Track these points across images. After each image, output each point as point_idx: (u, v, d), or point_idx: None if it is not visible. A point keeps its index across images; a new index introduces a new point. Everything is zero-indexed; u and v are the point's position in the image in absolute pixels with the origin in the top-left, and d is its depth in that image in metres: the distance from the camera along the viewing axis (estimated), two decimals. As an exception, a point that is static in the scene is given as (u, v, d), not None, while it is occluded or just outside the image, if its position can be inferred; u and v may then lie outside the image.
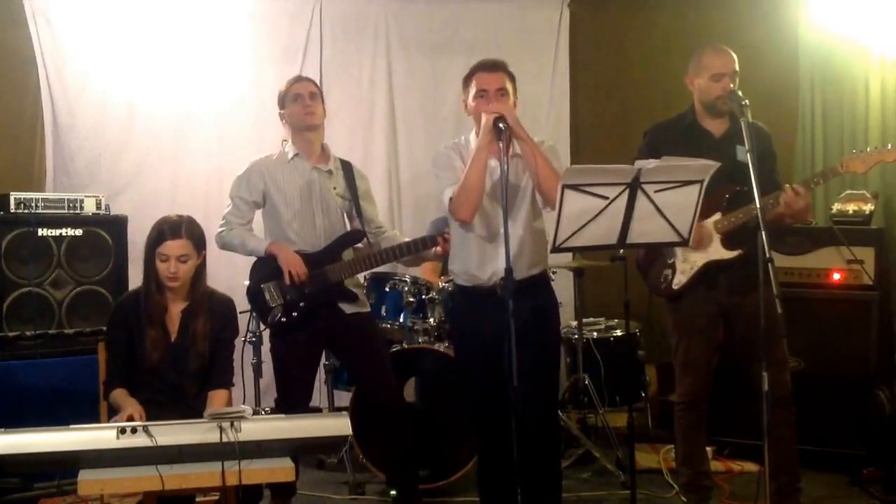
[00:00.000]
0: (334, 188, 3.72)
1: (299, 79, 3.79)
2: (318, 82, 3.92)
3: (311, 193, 3.67)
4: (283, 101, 3.71)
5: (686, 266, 3.57)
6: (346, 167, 3.80)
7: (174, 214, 3.35)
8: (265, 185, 3.67)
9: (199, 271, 3.33)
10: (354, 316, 3.70)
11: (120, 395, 3.20)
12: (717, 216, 3.52)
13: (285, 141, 3.75)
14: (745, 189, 3.36)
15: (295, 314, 3.61)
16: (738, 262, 3.49)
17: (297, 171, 3.68)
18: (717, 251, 3.52)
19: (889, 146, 3.49)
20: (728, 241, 3.51)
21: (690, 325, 3.61)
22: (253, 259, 3.80)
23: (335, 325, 3.67)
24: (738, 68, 3.51)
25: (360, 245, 3.79)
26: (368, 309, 3.86)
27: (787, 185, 3.41)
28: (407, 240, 3.76)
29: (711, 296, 3.56)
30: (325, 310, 3.65)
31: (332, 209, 3.71)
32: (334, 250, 3.67)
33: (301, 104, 3.65)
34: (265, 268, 3.65)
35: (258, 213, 3.78)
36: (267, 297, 3.63)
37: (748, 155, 3.11)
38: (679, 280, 3.58)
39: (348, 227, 3.76)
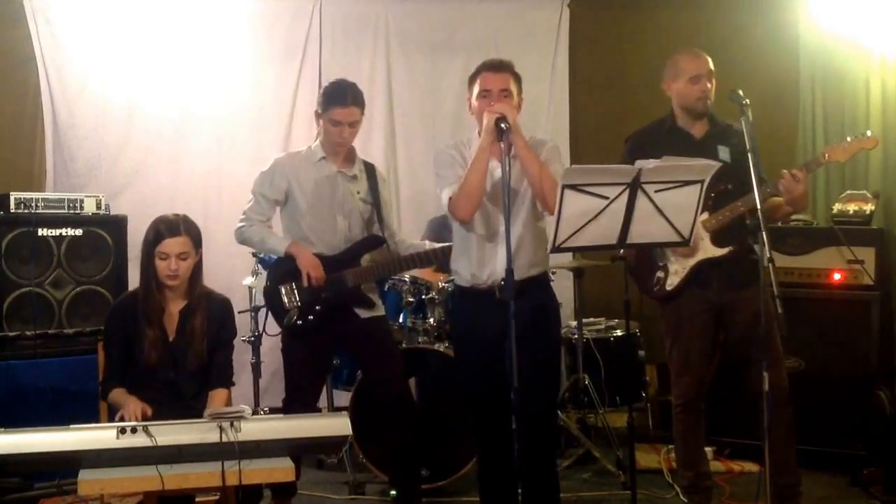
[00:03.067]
0: (357, 192, 3.70)
1: (345, 100, 3.56)
2: (317, 82, 3.76)
3: (334, 196, 3.65)
4: (322, 109, 3.60)
5: (678, 267, 3.58)
6: (370, 170, 3.77)
7: (170, 213, 3.34)
8: (289, 184, 3.65)
9: (197, 270, 3.32)
10: (369, 321, 3.69)
11: (119, 393, 3.20)
12: (705, 215, 3.52)
13: (316, 140, 3.72)
14: (729, 187, 3.40)
15: (311, 317, 3.59)
16: (729, 260, 3.50)
17: (321, 173, 3.65)
18: (708, 249, 3.53)
19: (868, 133, 3.53)
20: (717, 239, 3.52)
21: (685, 326, 3.61)
22: (254, 259, 3.79)
23: (349, 329, 3.66)
24: (713, 68, 3.55)
25: (378, 251, 3.76)
26: (383, 313, 3.85)
27: (785, 171, 3.40)
28: (426, 247, 3.75)
29: (704, 295, 3.57)
30: (340, 314, 3.64)
31: (354, 213, 3.69)
32: (353, 255, 3.66)
33: (338, 130, 3.58)
34: (283, 268, 3.63)
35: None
36: (284, 298, 3.61)
37: (748, 154, 3.13)
38: (672, 281, 3.59)
39: (367, 233, 3.74)
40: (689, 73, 3.54)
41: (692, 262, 3.55)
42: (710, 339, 3.62)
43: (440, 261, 3.71)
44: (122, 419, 3.03)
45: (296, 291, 3.60)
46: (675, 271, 3.58)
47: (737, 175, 3.38)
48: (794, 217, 4.34)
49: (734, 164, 3.40)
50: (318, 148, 3.68)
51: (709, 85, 3.52)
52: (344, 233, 3.67)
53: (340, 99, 3.57)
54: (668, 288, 3.59)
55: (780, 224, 4.23)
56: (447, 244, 3.72)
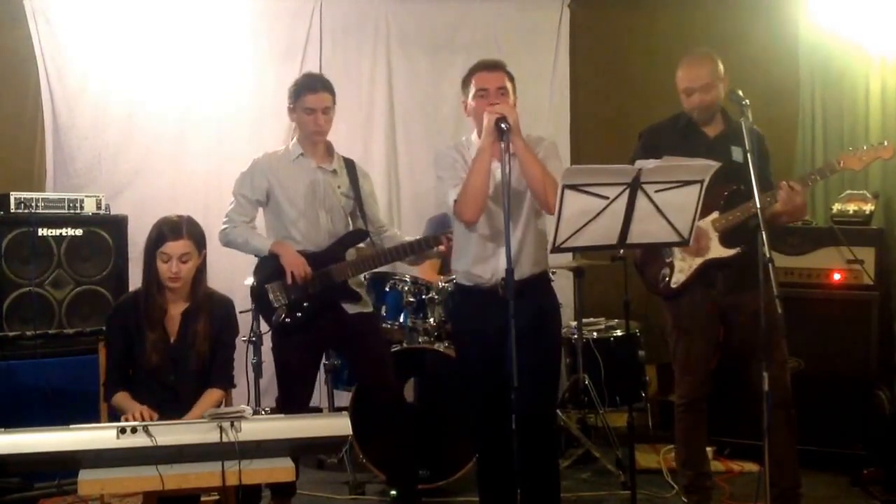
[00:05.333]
0: (338, 187, 3.71)
1: (315, 86, 3.62)
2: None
3: (315, 192, 3.66)
4: (294, 101, 3.63)
5: (684, 265, 3.58)
6: (350, 165, 3.78)
7: (174, 215, 3.32)
8: (269, 183, 3.66)
9: (200, 272, 3.30)
10: (357, 316, 3.70)
11: (123, 398, 3.18)
12: (715, 215, 3.53)
13: (293, 139, 3.73)
14: (741, 188, 3.39)
15: (299, 314, 3.60)
16: (737, 261, 3.49)
17: (301, 170, 3.66)
18: (716, 250, 3.53)
19: (885, 143, 3.52)
20: (725, 240, 3.52)
21: (690, 325, 3.61)
22: (254, 258, 3.79)
23: (338, 325, 3.67)
24: (711, 80, 3.49)
25: (362, 245, 3.78)
26: (371, 309, 3.86)
27: (784, 182, 3.42)
28: (410, 239, 3.75)
29: (710, 295, 3.57)
30: (328, 310, 3.64)
31: (336, 208, 3.70)
32: (338, 250, 3.66)
33: (313, 118, 3.60)
34: (269, 267, 3.64)
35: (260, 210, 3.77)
36: (271, 297, 3.62)
37: (748, 155, 3.13)
38: (677, 279, 3.59)
39: (351, 227, 3.75)
40: (681, 86, 3.55)
41: (699, 261, 3.55)
42: (714, 339, 3.62)
43: (425, 249, 3.70)
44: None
45: (282, 290, 3.60)
46: (681, 269, 3.58)
47: (748, 174, 3.37)
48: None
49: (746, 164, 3.34)
50: (295, 146, 3.69)
51: (702, 98, 3.49)
52: (327, 228, 3.67)
53: (310, 86, 3.62)
54: (673, 285, 3.59)
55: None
56: (431, 235, 3.72)
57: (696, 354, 3.60)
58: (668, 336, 3.72)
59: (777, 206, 3.42)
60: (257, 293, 3.68)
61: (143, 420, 2.98)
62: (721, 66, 3.55)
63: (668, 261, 3.61)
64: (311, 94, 3.60)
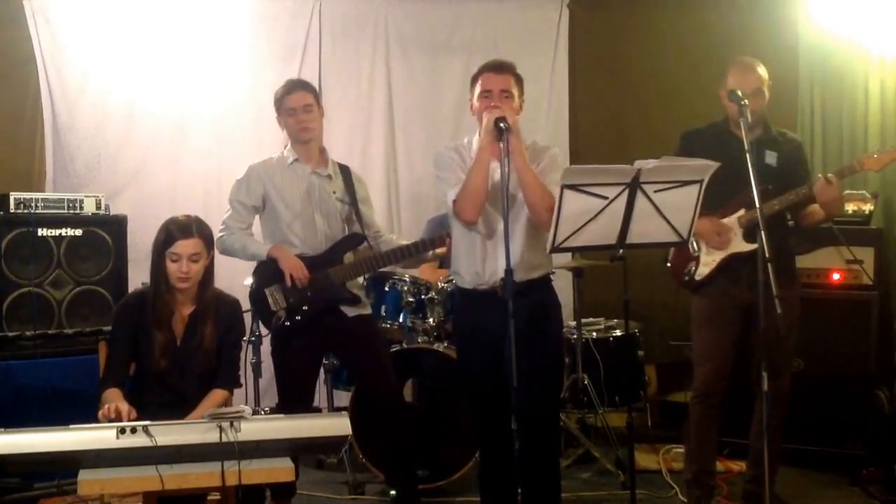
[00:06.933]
0: (333, 192, 3.72)
1: (293, 87, 3.69)
2: (316, 82, 3.82)
3: (311, 197, 3.67)
4: (278, 108, 3.68)
5: (709, 259, 3.64)
6: (345, 171, 3.80)
7: (181, 215, 3.29)
8: (265, 189, 3.66)
9: (208, 273, 3.27)
10: (356, 318, 3.71)
11: (113, 394, 3.12)
12: (742, 212, 3.58)
13: (286, 146, 3.74)
14: (770, 188, 3.44)
15: (298, 318, 3.61)
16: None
17: (296, 175, 3.67)
18: (739, 244, 3.59)
19: None
20: (749, 235, 3.57)
21: (709, 316, 3.66)
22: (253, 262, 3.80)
23: (337, 328, 3.67)
24: (760, 85, 3.53)
25: (360, 248, 3.79)
26: (370, 311, 3.86)
27: (820, 175, 3.49)
28: (407, 242, 3.76)
29: (733, 291, 3.61)
30: (327, 313, 3.65)
31: (332, 212, 3.71)
32: (336, 253, 3.67)
33: (295, 118, 3.63)
34: (267, 271, 3.64)
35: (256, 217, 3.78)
36: (270, 301, 3.62)
37: (747, 155, 3.13)
38: (702, 271, 3.65)
39: (347, 232, 3.76)
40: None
41: (722, 254, 3.61)
42: (734, 334, 3.65)
43: (423, 252, 3.72)
44: (104, 417, 2.98)
45: (281, 293, 3.61)
46: (706, 262, 3.65)
47: (780, 177, 3.49)
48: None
49: (779, 168, 3.51)
50: (289, 152, 3.71)
51: (753, 104, 3.45)
52: (324, 232, 3.68)
53: (288, 89, 3.69)
54: (698, 278, 3.66)
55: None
56: (429, 238, 3.73)
57: (713, 344, 3.64)
58: (690, 328, 3.77)
59: (813, 205, 3.49)
60: (256, 297, 3.68)
61: (117, 416, 2.95)
62: (766, 73, 3.59)
63: (695, 255, 3.68)
64: (289, 95, 3.66)
